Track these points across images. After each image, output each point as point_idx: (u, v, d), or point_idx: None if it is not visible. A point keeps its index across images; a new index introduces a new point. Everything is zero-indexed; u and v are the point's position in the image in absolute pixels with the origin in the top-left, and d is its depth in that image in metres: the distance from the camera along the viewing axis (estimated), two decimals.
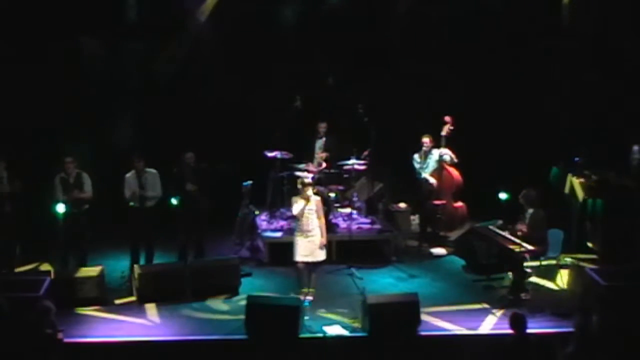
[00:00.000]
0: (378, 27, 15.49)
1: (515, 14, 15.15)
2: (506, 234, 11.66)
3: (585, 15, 15.03)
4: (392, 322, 10.32)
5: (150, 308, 11.25)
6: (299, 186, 11.42)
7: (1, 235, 12.03)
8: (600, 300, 10.52)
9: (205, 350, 10.25)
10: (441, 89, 15.00)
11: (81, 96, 14.64)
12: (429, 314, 10.80)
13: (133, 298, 11.57)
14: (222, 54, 15.09)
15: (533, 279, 11.78)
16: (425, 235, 13.88)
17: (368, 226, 13.75)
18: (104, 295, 11.39)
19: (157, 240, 12.50)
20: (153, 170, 12.31)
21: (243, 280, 12.00)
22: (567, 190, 13.74)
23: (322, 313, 10.90)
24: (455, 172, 13.70)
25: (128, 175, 12.19)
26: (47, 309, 8.95)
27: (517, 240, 11.36)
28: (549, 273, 12.11)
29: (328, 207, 13.28)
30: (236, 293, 11.70)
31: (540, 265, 11.84)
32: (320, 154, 14.20)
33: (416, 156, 13.76)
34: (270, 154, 13.83)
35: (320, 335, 10.33)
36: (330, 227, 13.06)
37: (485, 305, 11.26)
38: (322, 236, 11.30)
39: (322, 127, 14.25)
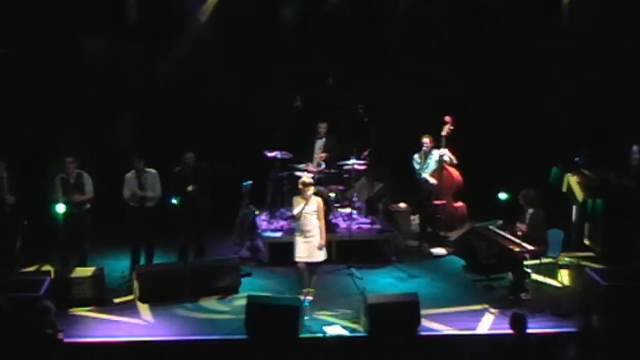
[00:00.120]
0: (378, 27, 15.49)
1: (515, 14, 15.15)
2: (506, 234, 11.66)
3: (585, 15, 15.04)
4: (392, 322, 10.32)
5: (144, 308, 11.26)
6: (300, 186, 11.43)
7: (1, 235, 12.03)
8: (600, 300, 10.52)
9: (205, 350, 10.25)
10: (441, 89, 15.00)
11: (81, 96, 14.64)
12: (424, 316, 10.74)
13: (129, 297, 11.57)
14: (222, 54, 15.09)
15: (533, 276, 11.78)
16: (425, 235, 13.88)
17: (368, 226, 13.75)
18: (98, 295, 11.35)
19: (157, 240, 12.50)
20: (153, 171, 12.31)
21: (243, 280, 12.00)
22: (564, 189, 13.74)
23: (321, 315, 10.86)
24: (455, 172, 13.70)
25: (128, 175, 12.20)
26: (47, 309, 8.96)
27: (517, 240, 11.36)
28: (549, 272, 12.12)
29: (328, 207, 13.28)
30: (236, 293, 11.70)
31: (541, 265, 11.84)
32: (320, 154, 14.20)
33: (416, 156, 13.76)
34: (270, 154, 13.82)
35: (320, 335, 10.33)
36: (330, 227, 13.06)
37: (482, 306, 11.25)
38: (321, 237, 11.29)
39: (322, 127, 14.25)
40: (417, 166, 13.75)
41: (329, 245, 12.71)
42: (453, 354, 10.21)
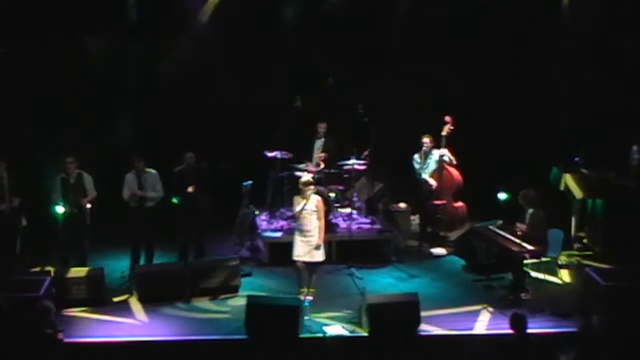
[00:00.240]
0: (378, 27, 15.49)
1: (515, 14, 15.14)
2: (506, 234, 11.66)
3: (585, 15, 15.04)
4: (392, 322, 10.32)
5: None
6: (300, 186, 11.43)
7: (1, 235, 12.03)
8: (600, 300, 10.52)
9: (205, 350, 10.25)
10: (441, 89, 15.00)
11: (81, 96, 14.64)
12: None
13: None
14: (222, 54, 15.09)
15: (533, 274, 11.78)
16: (425, 235, 13.88)
17: (368, 226, 13.75)
18: (96, 296, 11.34)
19: (157, 240, 12.50)
20: (153, 171, 12.31)
21: (243, 280, 12.00)
22: (562, 187, 13.75)
23: (319, 318, 10.84)
24: (455, 172, 13.70)
25: (128, 175, 12.20)
26: (47, 309, 8.96)
27: (517, 240, 11.36)
28: (549, 272, 12.13)
29: (328, 207, 13.28)
30: (236, 293, 11.71)
31: (541, 264, 11.84)
32: (319, 154, 14.20)
33: (416, 156, 13.76)
34: (270, 154, 13.82)
35: (320, 335, 10.33)
36: (330, 227, 13.07)
37: (479, 307, 11.23)
38: (319, 237, 11.29)
39: (322, 127, 14.25)
40: (417, 166, 13.75)
41: (329, 245, 12.74)
42: (453, 354, 10.21)
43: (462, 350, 10.14)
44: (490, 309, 11.06)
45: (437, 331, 10.56)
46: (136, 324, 10.83)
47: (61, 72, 14.40)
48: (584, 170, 13.58)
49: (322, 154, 14.13)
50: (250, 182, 13.65)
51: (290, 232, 12.48)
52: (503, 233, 11.70)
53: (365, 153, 13.83)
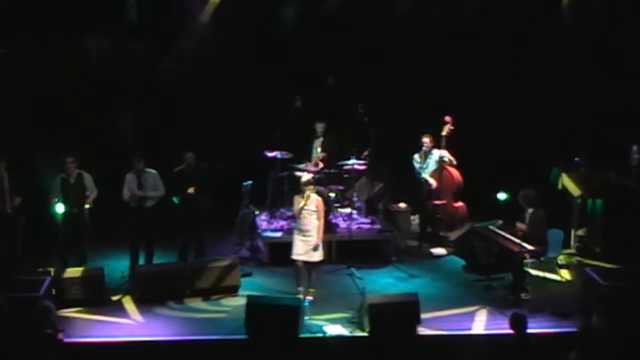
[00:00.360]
0: (378, 27, 15.48)
1: (515, 14, 15.14)
2: (506, 234, 11.66)
3: (585, 15, 15.03)
4: (392, 322, 10.31)
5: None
6: (301, 186, 11.45)
7: (1, 236, 12.03)
8: (600, 300, 10.52)
9: (205, 350, 10.25)
10: (441, 89, 15.00)
11: (81, 96, 14.64)
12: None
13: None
14: (222, 54, 15.09)
15: (533, 274, 11.77)
16: (425, 235, 13.88)
17: (368, 226, 13.75)
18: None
19: (157, 240, 12.49)
20: (153, 171, 12.30)
21: (243, 280, 12.00)
22: (559, 186, 13.76)
23: (317, 320, 10.80)
24: (455, 172, 13.70)
25: (128, 175, 12.19)
26: (47, 309, 8.95)
27: (517, 240, 11.36)
28: (549, 272, 12.14)
29: (328, 207, 13.28)
30: (236, 293, 11.71)
31: (541, 264, 11.85)
32: (317, 154, 14.19)
33: (416, 156, 13.76)
34: (270, 154, 13.83)
35: (320, 335, 10.33)
36: (330, 227, 13.08)
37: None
38: (317, 237, 11.30)
39: (320, 127, 14.25)
40: (417, 166, 13.74)
41: (329, 245, 12.76)
42: (453, 354, 10.20)
43: (462, 350, 10.13)
44: (486, 310, 11.05)
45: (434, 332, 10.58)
46: (131, 324, 10.82)
47: (61, 72, 14.40)
48: (582, 170, 13.57)
49: (321, 154, 14.13)
50: (250, 182, 13.66)
51: (290, 232, 12.47)
52: (503, 233, 11.71)
53: (365, 153, 13.83)
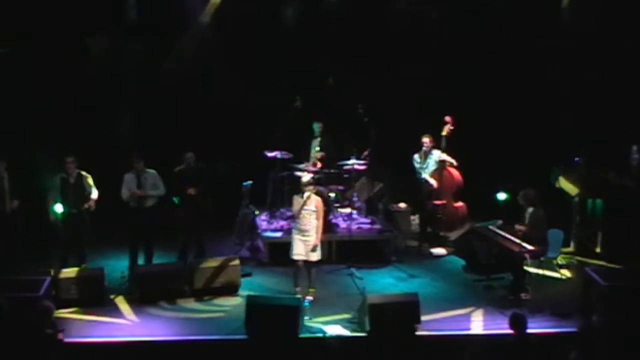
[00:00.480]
0: (378, 27, 15.48)
1: (515, 14, 15.14)
2: (506, 234, 11.66)
3: (585, 15, 15.03)
4: (392, 322, 10.31)
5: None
6: (301, 186, 11.45)
7: (2, 236, 12.03)
8: (600, 300, 10.52)
9: (205, 350, 10.25)
10: (441, 89, 15.00)
11: (81, 96, 14.64)
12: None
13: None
14: (222, 54, 15.09)
15: (534, 274, 11.76)
16: (425, 235, 13.89)
17: (368, 226, 13.75)
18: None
19: (157, 240, 12.49)
20: (152, 171, 12.30)
21: (243, 280, 12.00)
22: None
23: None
24: (455, 172, 13.70)
25: (127, 175, 12.19)
26: (47, 309, 8.95)
27: (517, 240, 11.36)
28: (549, 272, 12.14)
29: (328, 207, 13.29)
30: (236, 293, 11.72)
31: (541, 264, 11.86)
32: (315, 154, 14.19)
33: (416, 156, 13.76)
34: (270, 154, 13.83)
35: (320, 335, 10.33)
36: (330, 227, 13.08)
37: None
38: (316, 237, 11.31)
39: (318, 127, 14.26)
40: (417, 166, 13.74)
41: (329, 245, 12.77)
42: (453, 354, 10.20)
43: (462, 350, 10.12)
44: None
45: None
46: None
47: (61, 72, 14.39)
48: (582, 170, 13.57)
49: (319, 154, 14.13)
50: (250, 182, 13.66)
51: (290, 232, 12.46)
52: (503, 233, 11.71)
53: (365, 153, 13.83)
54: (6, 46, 14.02)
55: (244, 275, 12.12)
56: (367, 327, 10.33)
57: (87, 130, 14.40)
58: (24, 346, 8.68)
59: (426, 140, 13.59)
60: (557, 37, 15.13)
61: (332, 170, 13.96)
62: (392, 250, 13.32)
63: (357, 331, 10.47)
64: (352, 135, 14.05)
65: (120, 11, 15.00)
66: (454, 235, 13.66)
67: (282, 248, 12.32)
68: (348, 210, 13.83)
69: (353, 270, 12.49)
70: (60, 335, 9.08)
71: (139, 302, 11.37)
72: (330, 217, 13.32)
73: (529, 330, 8.89)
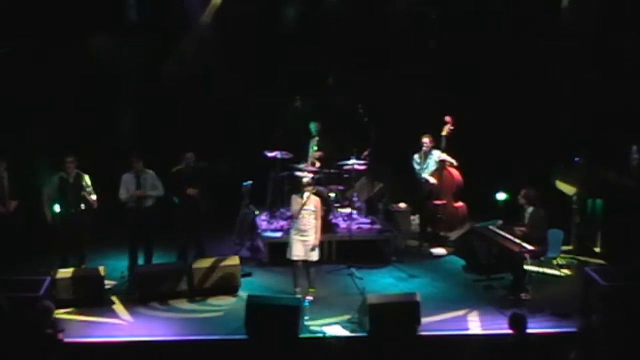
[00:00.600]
0: (378, 27, 15.47)
1: (515, 14, 15.13)
2: (506, 234, 11.65)
3: (585, 15, 15.02)
4: (392, 322, 10.31)
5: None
6: (301, 186, 11.45)
7: (2, 236, 12.03)
8: (600, 300, 10.51)
9: (205, 350, 10.25)
10: (441, 89, 15.00)
11: (81, 96, 14.63)
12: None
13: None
14: (222, 54, 15.08)
15: (534, 274, 11.76)
16: (425, 235, 13.89)
17: (368, 226, 13.75)
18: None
19: (156, 240, 12.49)
20: (150, 171, 12.30)
21: (243, 280, 12.00)
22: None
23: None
24: (455, 172, 13.70)
25: (125, 175, 12.18)
26: (47, 309, 8.95)
27: (517, 240, 11.36)
28: (549, 272, 12.15)
29: (328, 207, 13.29)
30: (236, 293, 11.72)
31: (541, 264, 11.85)
32: (314, 154, 14.19)
33: (416, 156, 13.76)
34: (270, 154, 13.83)
35: (320, 335, 10.33)
36: (330, 227, 13.08)
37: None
38: (315, 237, 11.31)
39: (316, 126, 14.25)
40: (417, 166, 13.75)
41: (329, 245, 12.77)
42: (453, 354, 10.20)
43: (462, 350, 10.12)
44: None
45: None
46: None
47: (61, 72, 14.39)
48: (580, 171, 13.57)
49: (317, 153, 14.13)
50: (250, 182, 13.66)
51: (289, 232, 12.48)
52: (503, 233, 11.70)
53: (365, 153, 13.83)
54: (6, 46, 14.01)
55: (244, 275, 12.13)
56: (367, 327, 10.33)
57: (87, 130, 14.39)
58: (24, 346, 8.67)
59: (426, 140, 13.60)
60: (557, 37, 15.12)
61: (332, 170, 13.96)
62: (392, 250, 13.32)
63: (357, 331, 10.47)
64: (352, 135, 14.05)
65: (120, 11, 14.99)
66: (454, 235, 13.66)
67: (282, 248, 12.31)
68: (348, 210, 13.83)
69: (353, 270, 12.49)
70: (60, 335, 9.08)
71: (138, 302, 11.38)
72: (330, 217, 13.32)
73: (529, 330, 8.89)
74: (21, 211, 12.25)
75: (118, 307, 11.31)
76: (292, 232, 11.42)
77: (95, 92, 14.86)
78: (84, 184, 12.09)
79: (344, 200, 14.21)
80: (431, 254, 13.53)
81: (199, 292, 11.62)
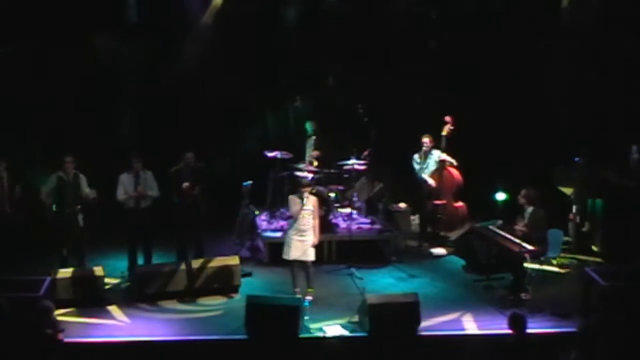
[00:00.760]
0: (378, 27, 15.47)
1: (515, 14, 15.14)
2: (506, 234, 11.66)
3: (585, 15, 15.02)
4: (392, 322, 10.31)
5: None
6: (300, 187, 11.45)
7: (1, 235, 12.03)
8: (600, 300, 10.51)
9: (205, 350, 10.25)
10: (441, 89, 15.00)
11: (81, 96, 14.64)
12: None
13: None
14: (222, 54, 15.08)
15: (533, 274, 11.76)
16: (425, 235, 13.89)
17: (368, 226, 13.75)
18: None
19: (156, 240, 12.49)
20: (148, 172, 12.29)
21: (243, 280, 12.00)
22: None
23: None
24: (455, 172, 13.70)
25: (123, 175, 12.18)
26: (47, 309, 8.95)
27: (517, 240, 11.36)
28: (549, 272, 12.14)
29: (328, 207, 13.29)
30: (236, 293, 11.72)
31: (540, 264, 11.85)
32: (311, 153, 14.19)
33: (416, 156, 13.76)
34: (270, 154, 13.83)
35: (320, 335, 10.33)
36: (330, 227, 13.08)
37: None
38: (314, 237, 11.31)
39: (312, 126, 14.26)
40: (417, 166, 13.75)
41: (329, 245, 12.78)
42: (453, 354, 10.20)
43: (461, 351, 10.13)
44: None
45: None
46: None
47: (61, 72, 14.39)
48: (580, 171, 13.57)
49: (315, 152, 14.13)
50: (250, 182, 13.66)
51: None
52: (503, 233, 11.70)
53: (365, 153, 13.83)
54: (6, 46, 14.01)
55: (244, 275, 12.13)
56: (367, 328, 10.33)
57: (87, 130, 14.39)
58: (24, 346, 8.68)
59: (426, 140, 13.60)
60: (557, 37, 15.13)
61: (332, 170, 13.96)
62: (392, 250, 13.32)
63: (357, 331, 10.47)
64: (352, 135, 14.05)
65: (120, 11, 14.98)
66: (454, 235, 13.67)
67: (282, 248, 12.29)
68: (348, 210, 13.83)
69: (353, 270, 12.49)
70: (60, 335, 9.08)
71: (138, 302, 11.38)
72: (330, 217, 13.32)
73: (528, 330, 8.89)
74: (21, 211, 12.24)
75: (118, 307, 11.31)
76: (291, 232, 11.41)
77: (95, 92, 14.86)
78: (81, 184, 12.08)
79: (344, 200, 14.21)
80: (431, 254, 13.53)
81: (199, 292, 11.63)
